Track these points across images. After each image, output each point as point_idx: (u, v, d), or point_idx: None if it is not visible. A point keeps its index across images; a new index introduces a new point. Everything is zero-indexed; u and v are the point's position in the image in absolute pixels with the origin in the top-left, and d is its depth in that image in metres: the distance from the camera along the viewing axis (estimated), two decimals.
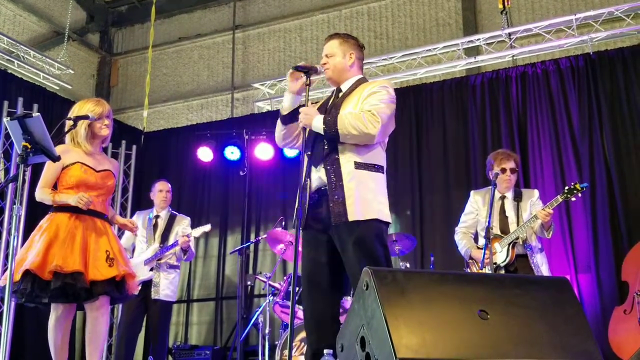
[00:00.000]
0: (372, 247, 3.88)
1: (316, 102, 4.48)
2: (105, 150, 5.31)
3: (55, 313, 4.67)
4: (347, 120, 3.92)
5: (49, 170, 4.71)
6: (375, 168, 4.03)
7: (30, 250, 4.49)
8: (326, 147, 4.04)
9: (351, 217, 3.88)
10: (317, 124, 4.00)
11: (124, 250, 4.95)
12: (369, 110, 3.95)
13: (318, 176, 4.05)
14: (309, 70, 4.32)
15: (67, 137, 4.81)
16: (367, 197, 3.93)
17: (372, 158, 4.04)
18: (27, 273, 4.38)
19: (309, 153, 4.10)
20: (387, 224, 4.02)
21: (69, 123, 4.70)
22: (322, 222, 4.02)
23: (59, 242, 4.49)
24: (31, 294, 4.41)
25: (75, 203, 4.54)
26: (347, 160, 3.99)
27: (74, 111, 4.78)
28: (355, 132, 3.90)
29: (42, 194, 4.70)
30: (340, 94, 4.26)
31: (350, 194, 3.91)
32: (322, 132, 3.97)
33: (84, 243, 4.56)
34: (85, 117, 4.68)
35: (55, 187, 4.78)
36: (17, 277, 4.38)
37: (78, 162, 4.72)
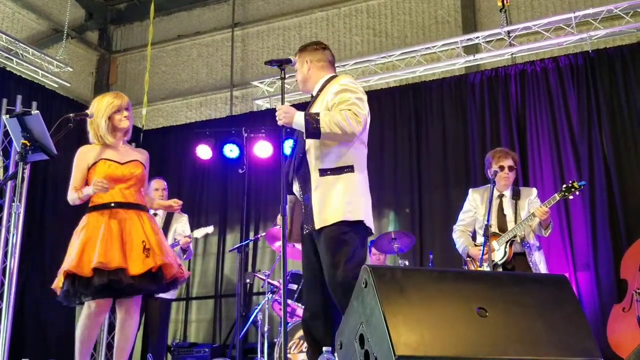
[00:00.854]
0: (333, 250, 3.94)
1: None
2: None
3: (88, 309, 4.58)
4: (329, 119, 3.94)
5: (76, 172, 4.69)
6: (345, 170, 4.05)
7: (69, 255, 4.49)
8: (300, 155, 4.17)
9: (317, 225, 3.99)
10: (299, 120, 4.03)
11: (164, 239, 4.83)
12: (349, 109, 3.98)
13: (296, 186, 4.24)
14: (282, 63, 4.36)
15: (91, 135, 4.81)
16: (331, 202, 3.99)
17: (340, 161, 4.06)
18: (67, 275, 4.38)
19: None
20: (355, 223, 4.00)
21: (90, 120, 4.74)
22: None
23: (93, 239, 4.44)
24: (75, 294, 4.40)
25: (93, 191, 4.50)
26: (313, 169, 4.07)
27: (93, 106, 4.78)
28: (339, 131, 3.93)
29: (70, 196, 4.67)
30: (312, 99, 4.39)
31: (316, 203, 4.01)
32: (304, 130, 3.99)
33: (121, 237, 4.51)
34: (85, 115, 4.66)
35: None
36: (60, 282, 4.41)
37: (102, 158, 4.68)
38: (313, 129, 3.93)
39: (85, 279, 4.34)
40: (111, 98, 4.77)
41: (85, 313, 4.57)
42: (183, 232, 6.99)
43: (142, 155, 4.94)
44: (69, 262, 4.37)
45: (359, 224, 4.03)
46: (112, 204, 4.60)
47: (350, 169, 4.06)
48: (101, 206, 4.60)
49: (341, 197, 3.99)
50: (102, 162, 4.65)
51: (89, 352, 4.65)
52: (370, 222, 4.11)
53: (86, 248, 4.41)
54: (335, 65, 9.74)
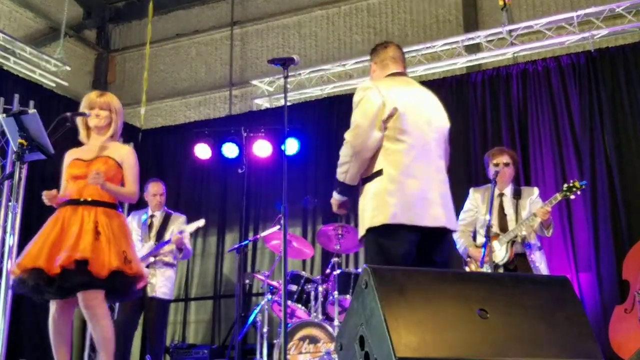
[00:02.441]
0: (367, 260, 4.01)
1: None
2: None
3: (51, 309, 4.63)
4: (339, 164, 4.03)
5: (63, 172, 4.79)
6: (374, 174, 3.94)
7: None
8: None
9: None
10: (336, 197, 4.12)
11: (114, 234, 4.61)
12: (344, 139, 4.00)
13: None
14: (285, 62, 4.30)
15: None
16: (363, 212, 3.97)
17: (371, 167, 3.97)
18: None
19: None
20: (378, 227, 3.86)
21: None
22: None
23: (34, 239, 4.50)
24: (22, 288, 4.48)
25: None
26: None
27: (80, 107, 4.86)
28: (346, 167, 3.97)
29: None
30: None
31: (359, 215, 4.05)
32: (339, 195, 4.09)
33: (60, 236, 4.46)
34: (82, 115, 4.70)
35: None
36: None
37: (72, 159, 4.74)
38: (341, 187, 4.04)
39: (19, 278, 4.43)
40: (88, 97, 4.87)
41: (50, 313, 4.65)
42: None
43: (119, 151, 4.88)
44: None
45: (380, 228, 3.86)
46: (65, 202, 4.62)
47: (380, 172, 3.93)
48: (60, 205, 4.63)
49: (370, 203, 3.92)
50: (72, 163, 4.73)
51: (64, 356, 4.65)
52: (407, 217, 3.84)
53: (29, 248, 4.49)
54: (335, 64, 9.78)
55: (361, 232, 3.96)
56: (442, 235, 3.96)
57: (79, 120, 4.80)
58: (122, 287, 4.64)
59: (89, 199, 4.63)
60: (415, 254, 3.85)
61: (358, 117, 3.95)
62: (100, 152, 4.78)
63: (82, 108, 4.78)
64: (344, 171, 3.95)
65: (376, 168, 3.94)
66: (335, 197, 4.08)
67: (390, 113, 3.91)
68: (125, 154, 4.89)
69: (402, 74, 4.28)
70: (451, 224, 3.98)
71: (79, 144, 4.90)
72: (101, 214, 4.61)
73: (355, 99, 4.03)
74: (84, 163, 4.69)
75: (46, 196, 4.52)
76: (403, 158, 3.90)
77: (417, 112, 4.01)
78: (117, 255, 4.50)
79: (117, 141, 4.97)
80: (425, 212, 3.85)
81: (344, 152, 3.95)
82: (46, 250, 4.36)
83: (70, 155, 4.80)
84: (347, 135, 3.95)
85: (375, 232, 3.86)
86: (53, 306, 4.59)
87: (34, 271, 4.32)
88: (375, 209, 3.86)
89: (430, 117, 4.08)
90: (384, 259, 3.77)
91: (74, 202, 4.59)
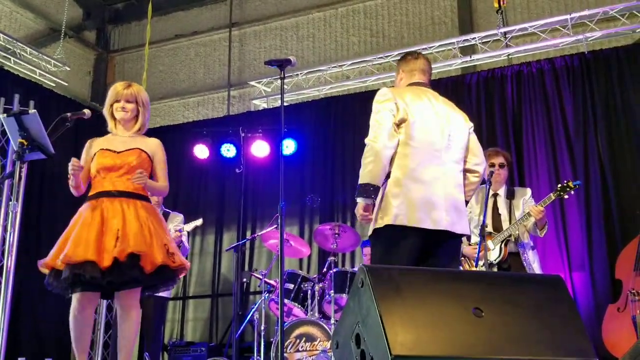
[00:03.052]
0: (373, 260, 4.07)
1: None
2: None
3: (74, 301, 4.45)
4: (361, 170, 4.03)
5: (82, 159, 4.67)
6: (388, 177, 4.03)
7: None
8: None
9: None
10: (359, 202, 4.05)
11: (155, 227, 4.57)
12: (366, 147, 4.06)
13: None
14: (282, 63, 4.36)
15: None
16: (374, 215, 4.04)
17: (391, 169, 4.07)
18: (50, 268, 4.37)
19: None
20: (383, 228, 3.96)
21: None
22: None
23: (72, 231, 4.38)
24: (52, 285, 4.37)
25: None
26: None
27: None
28: (367, 168, 3.96)
29: None
30: None
31: None
32: (364, 199, 4.00)
33: (102, 228, 4.37)
34: (82, 115, 4.60)
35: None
36: (46, 271, 4.39)
37: (100, 149, 4.63)
38: (365, 192, 3.97)
39: (59, 272, 4.30)
40: (115, 88, 4.75)
41: (72, 306, 4.47)
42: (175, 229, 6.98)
43: (148, 144, 4.80)
44: (49, 255, 4.36)
45: (389, 228, 3.95)
46: (100, 194, 4.52)
47: (387, 177, 4.04)
48: (92, 196, 4.54)
49: (380, 204, 4.01)
50: (100, 153, 4.60)
51: (85, 349, 4.51)
52: (410, 219, 3.93)
53: (63, 240, 4.37)
54: (332, 65, 9.83)
55: (370, 232, 4.07)
56: (446, 239, 4.02)
57: (105, 111, 4.73)
58: (166, 280, 4.65)
59: (125, 191, 4.57)
60: (417, 256, 3.93)
61: (377, 122, 4.04)
62: (131, 144, 4.70)
63: (109, 99, 4.71)
64: (369, 170, 3.96)
65: (392, 169, 4.05)
66: (361, 203, 4.01)
67: (401, 119, 4.03)
68: (155, 146, 4.83)
69: (425, 84, 4.38)
70: (456, 228, 4.03)
71: (79, 143, 4.87)
72: (140, 207, 4.57)
73: (374, 105, 4.13)
74: (114, 154, 4.61)
75: (73, 165, 4.44)
76: (409, 162, 4.00)
77: (429, 119, 4.12)
78: (160, 249, 4.47)
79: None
80: (427, 215, 3.93)
81: (367, 154, 3.99)
82: (92, 243, 4.27)
83: (96, 144, 4.70)
84: (368, 139, 4.03)
85: (380, 233, 3.97)
86: (75, 300, 4.44)
87: (89, 264, 4.22)
88: (381, 210, 3.97)
89: (444, 125, 4.16)
90: (388, 259, 3.88)
91: (109, 194, 4.52)
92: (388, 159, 3.98)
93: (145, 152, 4.72)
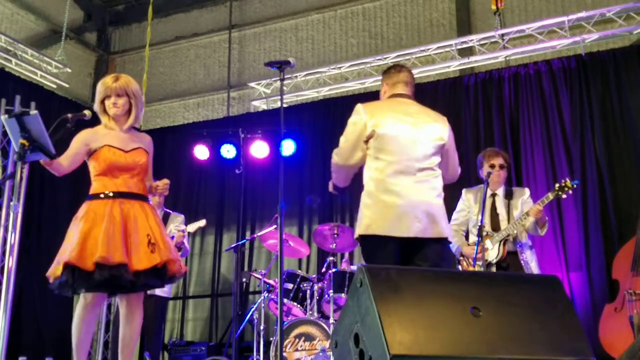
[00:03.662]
0: None
1: None
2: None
3: (84, 300, 4.38)
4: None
5: (72, 145, 4.50)
6: (364, 186, 4.33)
7: (69, 243, 4.27)
8: None
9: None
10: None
11: (165, 232, 4.61)
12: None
13: None
14: (281, 65, 4.43)
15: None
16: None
17: (364, 177, 4.37)
18: (66, 266, 4.16)
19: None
20: (359, 238, 4.25)
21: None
22: None
23: (96, 230, 4.26)
24: (73, 285, 4.21)
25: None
26: None
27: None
28: (334, 175, 4.53)
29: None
30: None
31: None
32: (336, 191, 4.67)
33: (125, 229, 4.32)
34: (82, 116, 4.51)
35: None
36: (59, 272, 4.19)
37: (106, 144, 4.50)
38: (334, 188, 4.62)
39: (86, 272, 4.16)
40: (103, 83, 4.60)
41: (82, 305, 4.39)
42: (178, 229, 7.00)
43: (144, 141, 4.73)
44: (69, 253, 4.18)
45: (363, 237, 4.21)
46: (116, 194, 4.44)
47: (366, 185, 4.32)
48: (104, 195, 4.43)
49: (360, 212, 4.30)
50: (107, 149, 4.48)
51: (86, 349, 4.46)
52: (380, 228, 4.15)
53: (88, 239, 4.23)
54: (331, 67, 9.84)
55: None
56: (422, 245, 4.18)
57: (97, 107, 4.61)
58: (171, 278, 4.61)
59: (138, 193, 4.55)
60: (398, 262, 4.14)
61: (343, 138, 4.41)
62: (133, 142, 4.63)
63: (99, 95, 4.59)
64: (334, 178, 4.56)
65: (366, 177, 4.34)
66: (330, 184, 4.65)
67: (370, 134, 4.27)
68: (150, 144, 4.78)
69: (406, 95, 4.55)
70: (428, 233, 4.17)
71: None
72: (149, 209, 4.56)
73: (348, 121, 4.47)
74: (124, 153, 4.54)
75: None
76: (380, 175, 4.24)
77: (401, 131, 4.31)
78: (170, 250, 4.51)
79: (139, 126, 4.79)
80: (397, 223, 4.12)
81: (333, 163, 4.48)
82: (121, 245, 4.24)
83: (100, 137, 4.56)
84: (334, 153, 4.45)
85: (360, 241, 4.29)
86: (86, 299, 4.38)
87: (123, 267, 4.20)
88: (358, 220, 4.28)
89: (416, 135, 4.33)
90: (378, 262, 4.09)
91: (126, 195, 4.48)
92: (349, 172, 4.46)
93: (147, 151, 4.70)
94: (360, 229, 4.20)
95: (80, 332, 4.40)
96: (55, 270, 4.26)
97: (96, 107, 4.65)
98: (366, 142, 4.29)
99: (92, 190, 4.52)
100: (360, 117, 4.33)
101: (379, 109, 4.43)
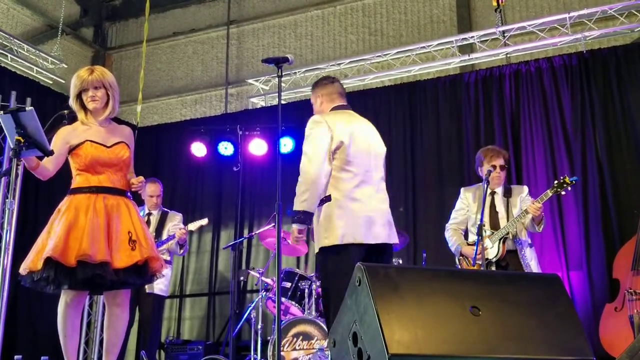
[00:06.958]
0: (321, 276, 4.61)
1: None
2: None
3: (66, 297, 4.37)
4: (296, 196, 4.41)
5: (53, 146, 4.36)
6: (324, 199, 4.38)
7: (50, 237, 4.24)
8: None
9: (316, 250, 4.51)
10: (294, 227, 4.44)
11: (147, 230, 4.60)
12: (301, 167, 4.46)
13: None
14: (279, 61, 4.42)
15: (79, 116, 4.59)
16: (317, 233, 4.43)
17: (324, 195, 4.39)
18: (48, 260, 4.11)
19: None
20: (329, 247, 4.33)
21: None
22: None
23: (79, 226, 4.23)
24: (54, 281, 4.15)
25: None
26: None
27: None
28: (302, 198, 4.31)
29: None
30: None
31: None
32: (298, 225, 4.41)
33: (108, 226, 4.29)
34: (69, 117, 4.54)
35: (69, 170, 4.54)
36: (39, 265, 4.13)
37: (87, 140, 4.46)
38: (298, 217, 4.34)
39: (68, 268, 4.12)
40: (78, 76, 4.55)
41: (64, 303, 4.37)
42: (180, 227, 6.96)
43: (125, 134, 4.70)
44: (52, 247, 4.14)
45: (336, 247, 4.31)
46: (100, 189, 4.41)
47: (329, 198, 4.37)
48: (87, 189, 4.40)
49: (321, 228, 4.38)
50: (89, 144, 4.44)
51: (75, 347, 4.45)
52: (355, 237, 4.32)
53: (71, 235, 4.20)
54: (330, 64, 9.84)
55: (316, 249, 4.46)
56: (384, 250, 4.51)
57: (72, 102, 4.55)
58: (152, 276, 4.59)
59: (122, 189, 4.53)
60: None
61: (311, 150, 4.39)
62: (114, 136, 4.59)
63: (74, 88, 4.53)
64: (304, 199, 4.30)
65: (330, 192, 4.39)
66: (295, 228, 4.39)
67: (337, 146, 4.40)
68: (131, 136, 4.75)
69: (346, 107, 4.74)
70: (392, 239, 4.55)
71: None
72: (132, 206, 4.53)
73: (307, 131, 4.47)
74: (106, 149, 4.50)
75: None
76: (347, 185, 4.40)
77: (359, 143, 4.49)
78: (152, 248, 4.50)
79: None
80: (369, 231, 4.36)
81: (302, 182, 4.34)
82: (104, 242, 4.23)
83: (80, 134, 4.50)
84: (303, 167, 4.36)
85: (327, 251, 4.36)
86: (67, 296, 4.36)
87: (106, 264, 4.18)
88: (326, 230, 4.34)
89: (370, 146, 4.57)
90: (335, 273, 4.26)
91: (109, 191, 4.45)
92: (322, 187, 4.36)
93: (128, 145, 4.67)
94: (331, 238, 4.31)
95: (67, 330, 4.39)
96: (34, 264, 4.20)
97: (71, 102, 4.59)
98: (334, 153, 4.40)
99: (74, 184, 4.50)
100: (327, 129, 4.41)
101: (337, 121, 4.51)
